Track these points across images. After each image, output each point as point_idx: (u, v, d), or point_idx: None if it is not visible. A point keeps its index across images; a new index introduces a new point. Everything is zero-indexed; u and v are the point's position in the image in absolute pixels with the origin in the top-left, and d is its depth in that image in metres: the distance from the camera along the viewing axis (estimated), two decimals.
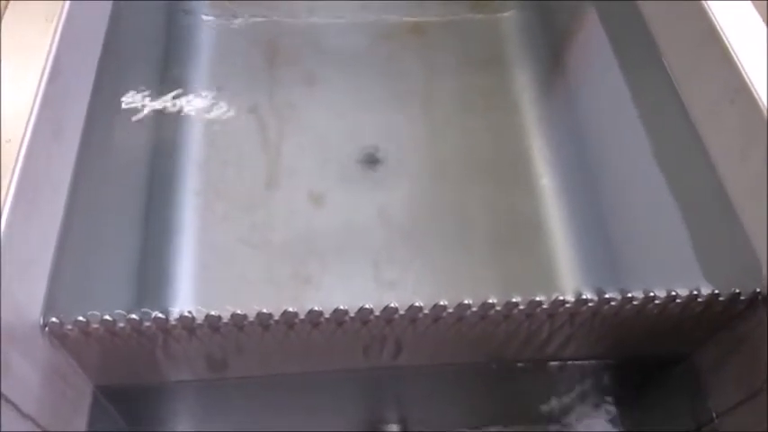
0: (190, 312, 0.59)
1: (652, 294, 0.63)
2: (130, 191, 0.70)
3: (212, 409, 0.77)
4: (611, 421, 0.82)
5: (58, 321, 0.57)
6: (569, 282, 0.66)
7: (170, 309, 0.60)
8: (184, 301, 0.62)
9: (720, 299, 0.63)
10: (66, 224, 0.64)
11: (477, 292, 0.63)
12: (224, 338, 0.62)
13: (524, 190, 0.73)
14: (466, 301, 0.62)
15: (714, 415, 0.71)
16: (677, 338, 0.70)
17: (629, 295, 0.63)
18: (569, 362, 0.73)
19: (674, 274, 0.64)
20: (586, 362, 0.74)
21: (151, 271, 0.64)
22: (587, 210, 0.72)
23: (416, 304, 0.61)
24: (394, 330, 0.64)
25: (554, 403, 0.81)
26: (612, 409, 0.82)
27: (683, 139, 0.74)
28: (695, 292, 0.63)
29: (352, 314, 0.61)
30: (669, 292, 0.63)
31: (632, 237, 0.69)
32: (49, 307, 0.59)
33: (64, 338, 0.59)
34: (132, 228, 0.67)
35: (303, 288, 0.64)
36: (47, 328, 0.58)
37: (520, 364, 0.73)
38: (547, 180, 0.74)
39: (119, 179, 0.70)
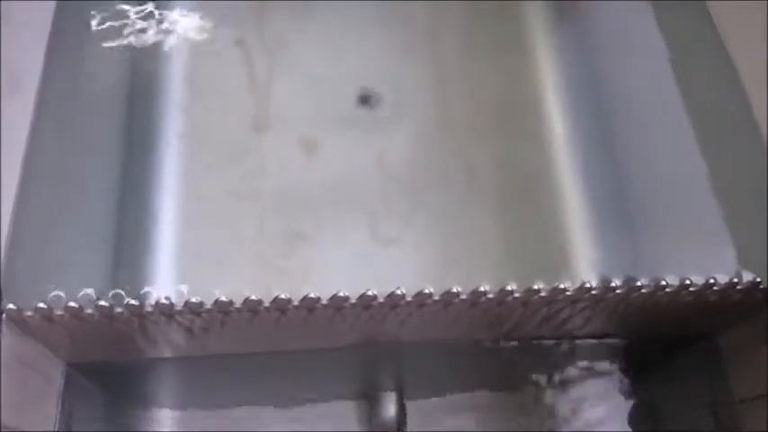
0: (168, 299, 0.52)
1: (688, 282, 0.56)
2: (103, 140, 0.61)
3: (198, 382, 0.72)
4: (626, 396, 0.78)
5: (16, 308, 0.50)
6: (580, 242, 0.59)
7: (147, 290, 0.53)
8: (167, 260, 0.56)
9: (761, 286, 0.57)
10: (25, 184, 0.57)
11: (482, 254, 0.58)
12: (207, 323, 0.55)
13: (535, 141, 0.64)
14: (482, 288, 0.55)
15: (737, 399, 0.66)
16: (705, 322, 0.65)
17: (663, 283, 0.56)
18: (586, 340, 0.68)
19: (695, 242, 0.58)
20: (604, 340, 0.68)
21: (129, 229, 0.57)
22: (602, 164, 0.63)
23: (425, 291, 0.55)
24: (399, 315, 0.58)
25: (566, 375, 0.77)
26: (628, 383, 0.78)
27: (722, 93, 0.66)
28: (735, 280, 0.57)
29: (353, 300, 0.54)
30: (707, 280, 0.56)
31: (654, 200, 0.61)
32: (6, 288, 0.51)
33: (25, 325, 0.52)
34: (106, 181, 0.59)
35: (295, 245, 0.58)
36: (4, 315, 0.50)
37: (533, 342, 0.67)
38: (560, 130, 0.65)
39: (88, 127, 0.62)
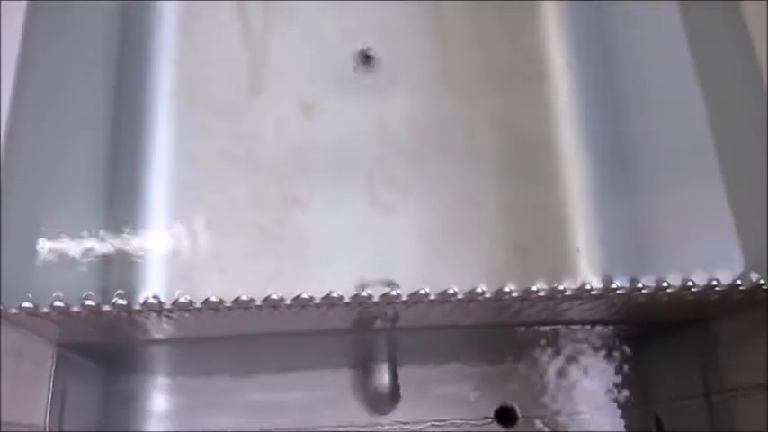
0: (156, 297, 0.51)
1: (690, 283, 0.55)
2: (90, 97, 0.59)
3: (192, 353, 0.72)
4: (619, 372, 0.78)
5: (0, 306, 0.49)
6: (582, 216, 0.58)
7: (134, 287, 0.52)
8: (158, 226, 0.55)
9: (764, 287, 0.56)
10: (9, 150, 0.56)
11: (481, 222, 0.57)
12: (197, 318, 0.54)
13: (540, 106, 0.61)
14: (479, 289, 0.54)
15: (729, 386, 0.66)
16: (704, 312, 0.64)
17: (664, 284, 0.55)
18: (582, 325, 0.68)
19: (699, 236, 0.57)
20: (600, 326, 0.68)
21: (120, 191, 0.56)
22: (610, 135, 0.61)
23: (421, 291, 0.53)
24: (395, 309, 0.57)
25: (560, 350, 0.77)
26: (621, 360, 0.78)
27: (736, 86, 0.62)
28: (738, 282, 0.55)
29: (347, 299, 0.53)
30: (709, 281, 0.55)
31: (659, 172, 0.59)
32: None
33: (10, 318, 0.51)
34: (95, 141, 0.57)
35: (290, 210, 0.56)
36: None
37: (530, 327, 0.67)
38: (567, 96, 0.62)
39: (74, 83, 0.59)
